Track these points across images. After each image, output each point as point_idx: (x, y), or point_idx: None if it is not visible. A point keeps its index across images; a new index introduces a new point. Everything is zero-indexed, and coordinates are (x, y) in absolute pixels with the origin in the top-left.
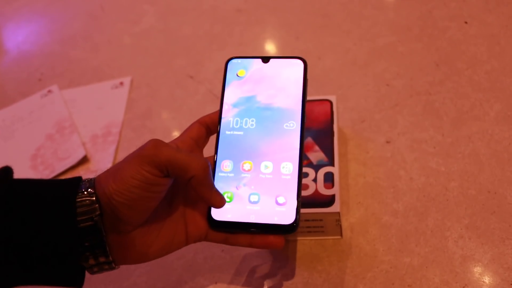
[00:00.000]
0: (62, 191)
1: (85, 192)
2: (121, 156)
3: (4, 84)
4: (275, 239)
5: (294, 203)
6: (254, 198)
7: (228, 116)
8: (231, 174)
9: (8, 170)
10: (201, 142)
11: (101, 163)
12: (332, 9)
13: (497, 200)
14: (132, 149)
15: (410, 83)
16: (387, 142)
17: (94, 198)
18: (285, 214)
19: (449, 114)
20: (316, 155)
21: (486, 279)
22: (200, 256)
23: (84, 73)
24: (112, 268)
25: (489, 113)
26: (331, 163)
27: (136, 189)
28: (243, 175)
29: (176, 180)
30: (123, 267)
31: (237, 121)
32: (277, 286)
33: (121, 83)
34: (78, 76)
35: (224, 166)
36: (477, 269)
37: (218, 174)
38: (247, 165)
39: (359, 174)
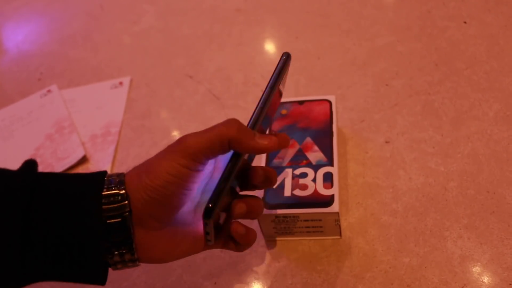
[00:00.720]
0: (87, 186)
1: (115, 188)
2: (120, 156)
3: (3, 84)
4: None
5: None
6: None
7: None
8: None
9: (33, 163)
10: None
11: (100, 163)
12: (331, 9)
13: (496, 200)
14: (132, 148)
15: (410, 83)
16: (386, 142)
17: (124, 194)
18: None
19: (448, 114)
20: (315, 155)
21: (485, 279)
22: (199, 256)
23: (83, 73)
24: (135, 266)
25: (488, 113)
26: (330, 163)
27: (171, 185)
28: None
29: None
30: None
31: None
32: (276, 286)
33: (121, 83)
34: (78, 76)
35: None
36: (476, 269)
37: None
38: None
39: (358, 174)
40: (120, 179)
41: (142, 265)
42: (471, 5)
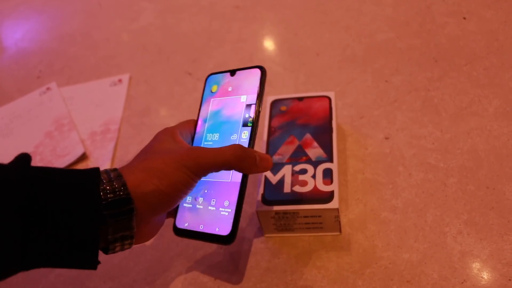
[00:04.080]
0: (85, 178)
1: (111, 174)
2: (120, 154)
3: (2, 82)
4: None
5: (232, 214)
6: (205, 207)
7: (200, 132)
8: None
9: (26, 157)
10: None
11: (99, 160)
12: (330, 5)
13: (495, 196)
14: (131, 146)
15: (409, 79)
16: (386, 138)
17: (121, 177)
18: (225, 225)
19: (448, 110)
20: (315, 151)
21: (485, 275)
22: (199, 253)
23: (82, 70)
24: (129, 245)
25: (488, 109)
26: (330, 160)
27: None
28: (201, 186)
29: None
30: (122, 264)
31: (206, 136)
32: (276, 282)
33: (120, 80)
34: (77, 74)
35: None
36: (476, 265)
37: None
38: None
39: (358, 170)
40: (114, 170)
41: (142, 261)
42: (470, 0)
